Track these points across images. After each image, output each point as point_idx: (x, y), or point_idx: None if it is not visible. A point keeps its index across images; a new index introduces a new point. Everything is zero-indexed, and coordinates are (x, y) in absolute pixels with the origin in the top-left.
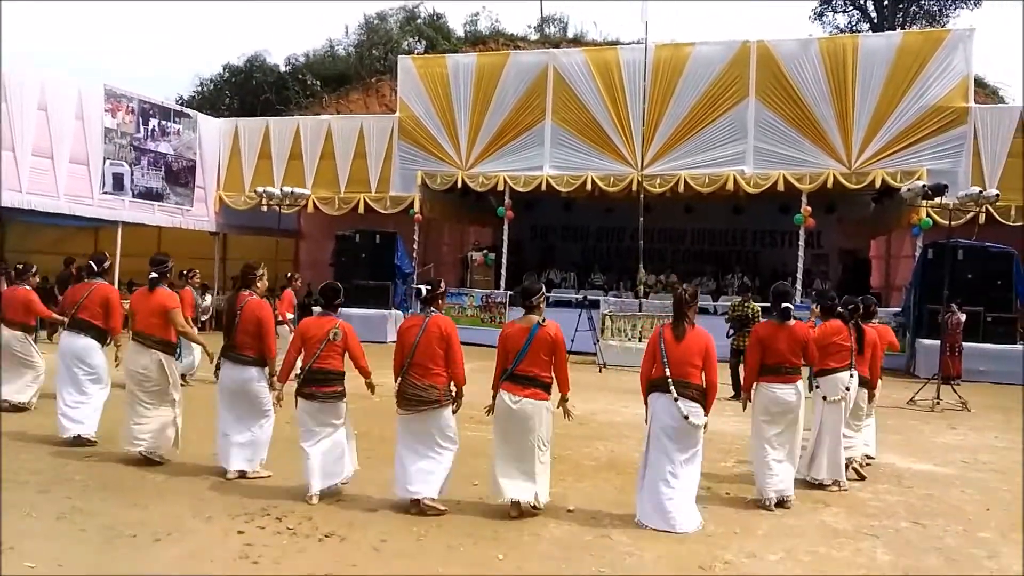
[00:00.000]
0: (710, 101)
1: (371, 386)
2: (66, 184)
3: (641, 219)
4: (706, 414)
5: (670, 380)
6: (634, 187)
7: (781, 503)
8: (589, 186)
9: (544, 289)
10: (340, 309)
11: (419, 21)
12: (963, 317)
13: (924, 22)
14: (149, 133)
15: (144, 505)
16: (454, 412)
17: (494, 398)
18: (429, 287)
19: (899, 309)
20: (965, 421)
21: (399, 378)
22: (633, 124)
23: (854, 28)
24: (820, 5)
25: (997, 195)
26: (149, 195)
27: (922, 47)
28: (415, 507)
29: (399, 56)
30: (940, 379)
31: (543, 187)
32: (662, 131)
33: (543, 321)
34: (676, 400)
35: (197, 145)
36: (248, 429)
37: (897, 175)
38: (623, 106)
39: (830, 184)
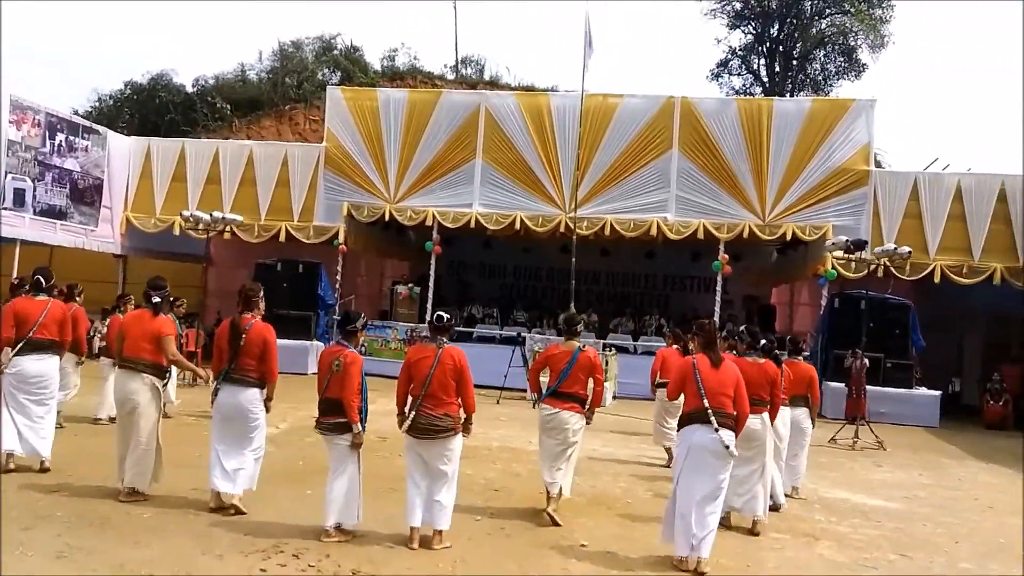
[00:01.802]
0: (636, 151)
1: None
2: None
3: (573, 260)
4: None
5: (710, 411)
6: (562, 228)
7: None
8: (518, 225)
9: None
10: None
11: (335, 52)
12: (867, 362)
13: (810, 89)
14: (55, 148)
15: (146, 543)
16: (465, 437)
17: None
18: (443, 316)
19: (807, 353)
20: (886, 459)
21: (412, 410)
22: (563, 167)
23: (748, 91)
24: (717, 67)
25: (910, 252)
26: (52, 213)
27: (828, 113)
28: (423, 542)
29: (328, 86)
30: (852, 420)
31: (472, 224)
32: (590, 176)
33: (583, 346)
34: (718, 431)
35: (105, 163)
36: (242, 450)
37: (806, 229)
38: (553, 150)
39: (746, 234)
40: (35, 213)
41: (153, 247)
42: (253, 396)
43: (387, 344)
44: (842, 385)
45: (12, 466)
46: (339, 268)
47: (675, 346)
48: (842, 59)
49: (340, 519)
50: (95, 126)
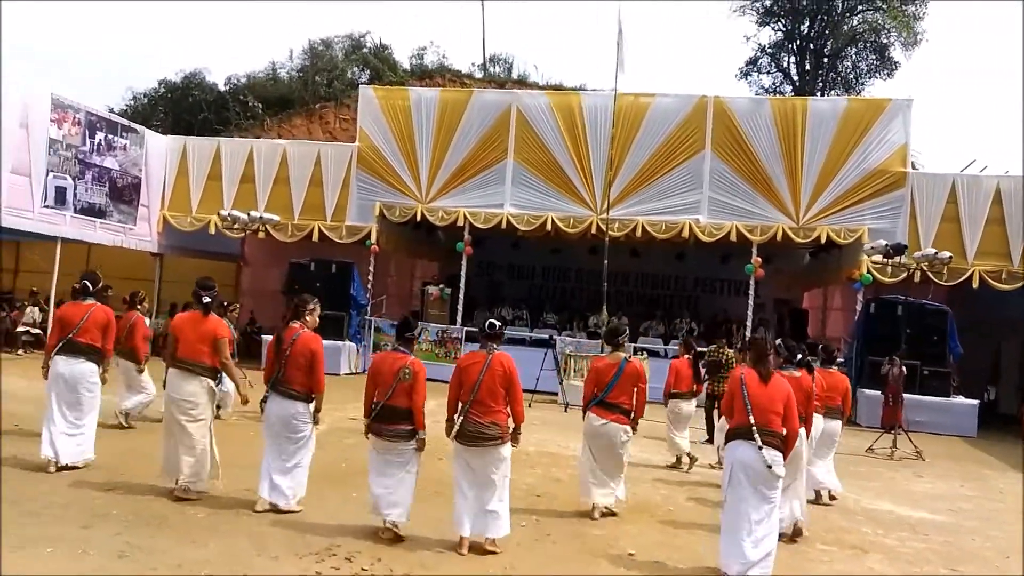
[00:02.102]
0: (668, 151)
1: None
2: (6, 196)
3: (606, 262)
4: (784, 461)
5: (754, 428)
6: (593, 229)
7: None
8: (549, 226)
9: (627, 330)
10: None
11: (365, 51)
12: (904, 370)
13: (841, 88)
14: (95, 147)
15: (203, 543)
16: (514, 447)
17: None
18: (495, 323)
19: (841, 360)
20: (925, 469)
21: (460, 415)
22: (594, 168)
23: (777, 89)
24: (746, 65)
25: (950, 257)
26: (91, 211)
27: (864, 113)
28: (473, 547)
29: (360, 86)
30: (888, 429)
31: (503, 225)
32: (621, 177)
33: (629, 357)
34: (760, 449)
35: (143, 162)
36: (287, 463)
37: (841, 232)
38: (584, 150)
39: (779, 237)
40: (75, 211)
41: (188, 245)
42: (297, 409)
43: (419, 346)
44: (878, 393)
45: (53, 469)
46: (371, 268)
47: (687, 356)
48: (874, 57)
49: (396, 518)
50: (133, 125)
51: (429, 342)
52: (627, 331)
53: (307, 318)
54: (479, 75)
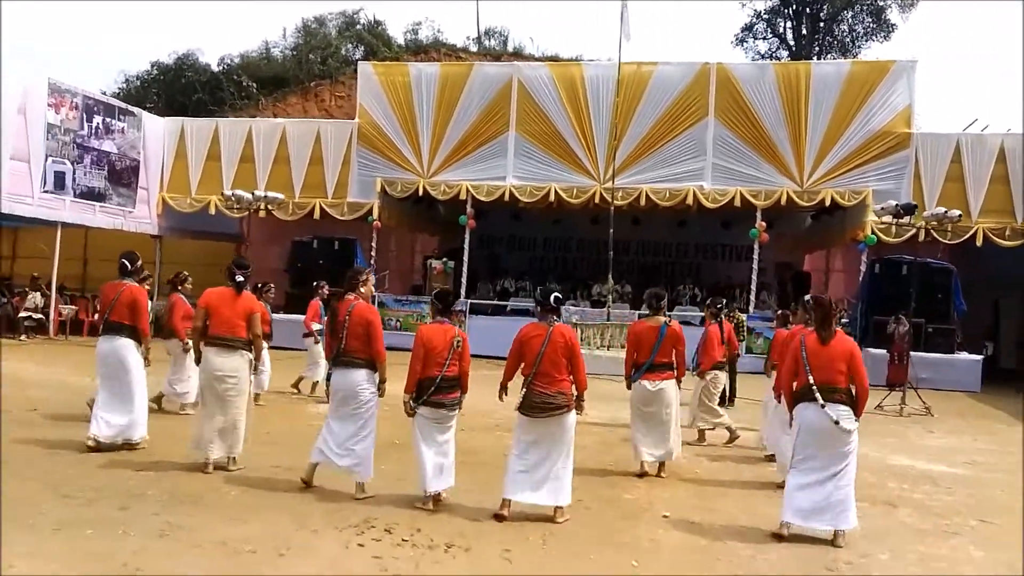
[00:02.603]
0: (672, 119)
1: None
2: (6, 182)
3: (611, 231)
4: (857, 419)
5: (814, 387)
6: (597, 199)
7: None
8: (552, 197)
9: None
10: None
11: (358, 27)
12: (910, 328)
13: (837, 52)
14: (93, 130)
15: (243, 519)
16: (579, 414)
17: (629, 386)
18: (557, 295)
19: (846, 320)
20: (935, 425)
21: (523, 387)
22: (597, 138)
23: (774, 55)
24: (742, 31)
25: (960, 216)
26: (91, 195)
27: (868, 76)
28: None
29: (359, 62)
30: (894, 387)
31: (506, 197)
32: (624, 146)
33: (669, 321)
34: (823, 407)
35: (141, 144)
36: (356, 435)
37: (845, 194)
38: (587, 120)
39: (783, 201)
40: (75, 196)
41: (188, 227)
42: (361, 378)
43: (423, 319)
44: (883, 351)
45: (92, 443)
46: (373, 244)
47: (714, 322)
48: (870, 20)
49: (447, 486)
50: (130, 107)
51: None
52: (666, 295)
53: (361, 289)
54: (475, 49)
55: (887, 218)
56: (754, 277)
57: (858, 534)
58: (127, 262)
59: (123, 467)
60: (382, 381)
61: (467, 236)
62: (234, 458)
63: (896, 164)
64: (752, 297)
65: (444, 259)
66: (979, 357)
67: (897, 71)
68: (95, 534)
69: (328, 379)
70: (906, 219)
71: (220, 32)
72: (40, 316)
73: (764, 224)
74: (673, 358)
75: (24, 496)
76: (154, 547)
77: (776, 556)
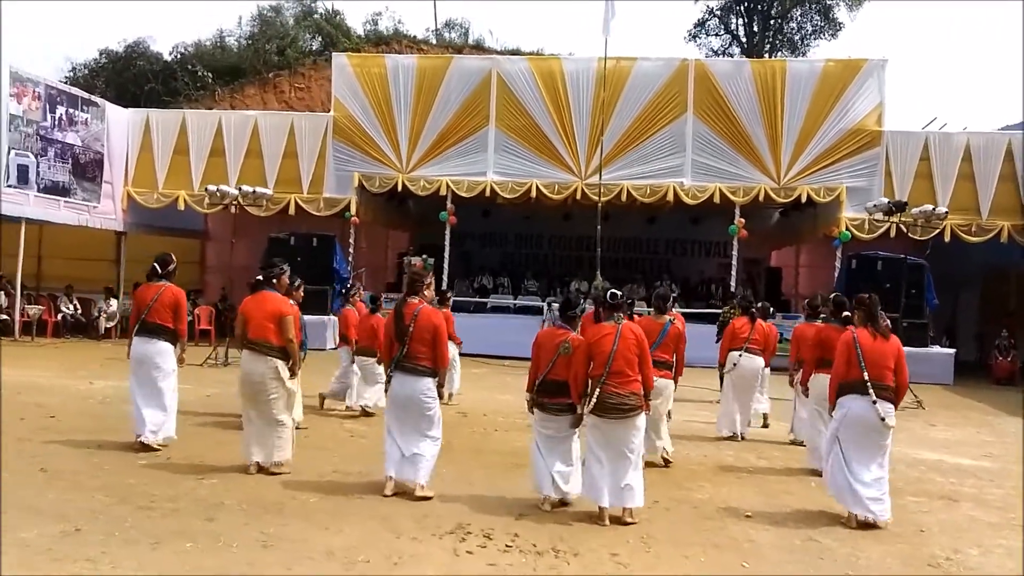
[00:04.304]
0: (651, 115)
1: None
2: None
3: (599, 227)
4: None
5: (868, 383)
6: (578, 195)
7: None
8: (534, 193)
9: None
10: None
11: (316, 16)
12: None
13: (787, 50)
14: (56, 122)
15: (336, 528)
16: (647, 413)
17: None
18: (617, 293)
19: (825, 315)
20: (932, 418)
21: (596, 387)
22: (577, 133)
23: (726, 51)
24: (694, 27)
25: (946, 212)
26: (55, 190)
27: (841, 74)
28: (607, 518)
29: (334, 54)
30: None
31: (487, 192)
32: (605, 142)
33: (673, 319)
34: (875, 403)
35: (105, 136)
36: (421, 441)
37: (820, 191)
38: (567, 116)
39: (761, 198)
40: (39, 190)
41: (153, 223)
42: (427, 385)
43: None
44: None
45: (138, 444)
46: (351, 240)
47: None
48: (819, 18)
49: (573, 490)
50: (94, 98)
51: None
52: (672, 296)
53: (425, 292)
54: (435, 41)
55: (878, 215)
56: (734, 273)
57: (936, 529)
58: (158, 265)
59: (179, 472)
60: (440, 385)
61: (448, 232)
62: (278, 462)
63: (868, 161)
64: (734, 291)
65: (424, 256)
66: (951, 351)
67: (868, 70)
68: (196, 547)
69: (387, 383)
70: (880, 215)
71: (172, 20)
72: (4, 317)
73: (743, 220)
74: (673, 356)
75: (100, 509)
76: (266, 559)
77: (877, 553)
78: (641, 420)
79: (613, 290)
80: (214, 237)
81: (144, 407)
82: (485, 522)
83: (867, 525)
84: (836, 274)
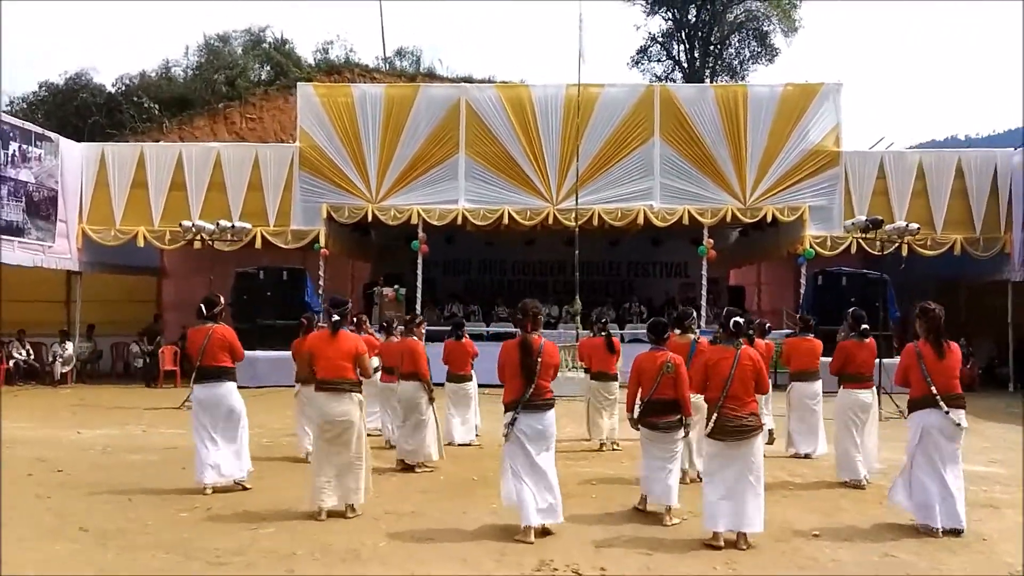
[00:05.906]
0: (619, 140)
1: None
2: None
3: (576, 252)
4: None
5: (938, 396)
6: (550, 220)
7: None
8: (506, 220)
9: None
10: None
11: (265, 45)
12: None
13: (727, 75)
14: (9, 158)
15: (422, 572)
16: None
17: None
18: (736, 319)
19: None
20: None
21: (714, 411)
22: (548, 159)
23: (668, 77)
24: (637, 54)
25: (918, 228)
26: (9, 230)
27: (800, 98)
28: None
29: (299, 83)
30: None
31: (459, 220)
32: (575, 167)
33: (698, 338)
34: (947, 413)
35: (59, 172)
36: (548, 477)
37: (784, 210)
38: (537, 142)
39: (728, 218)
40: None
41: (110, 260)
42: (552, 419)
43: None
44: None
45: (209, 491)
46: (321, 272)
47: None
48: (756, 44)
49: (671, 501)
50: (47, 132)
51: None
52: (694, 314)
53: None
54: (386, 69)
55: (813, 231)
56: (704, 292)
57: (996, 536)
58: (203, 306)
59: (229, 522)
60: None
61: (420, 261)
62: (352, 506)
63: (828, 180)
64: (703, 312)
65: (396, 286)
66: None
67: (825, 92)
68: None
69: (511, 423)
70: (858, 232)
71: (115, 51)
72: None
73: (711, 241)
74: None
75: (171, 568)
76: None
77: (957, 564)
78: (759, 441)
79: (737, 318)
80: (171, 274)
81: (218, 449)
82: (566, 555)
83: (947, 532)
84: (803, 291)
